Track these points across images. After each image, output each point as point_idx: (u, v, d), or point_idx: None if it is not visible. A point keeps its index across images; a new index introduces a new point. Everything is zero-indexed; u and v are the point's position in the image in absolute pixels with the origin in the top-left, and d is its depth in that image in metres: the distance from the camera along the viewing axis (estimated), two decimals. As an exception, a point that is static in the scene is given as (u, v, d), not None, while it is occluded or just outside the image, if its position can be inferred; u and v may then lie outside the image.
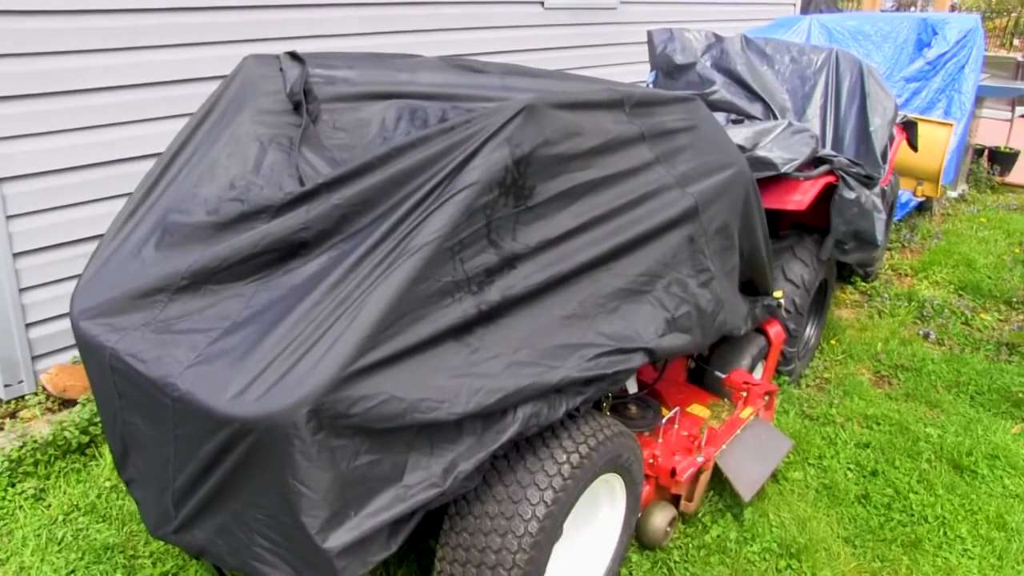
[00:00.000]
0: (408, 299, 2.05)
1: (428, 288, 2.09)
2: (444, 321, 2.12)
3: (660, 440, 3.21)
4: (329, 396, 1.93)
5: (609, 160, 2.56)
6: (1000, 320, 5.59)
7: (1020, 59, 10.58)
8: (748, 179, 3.16)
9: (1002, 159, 9.34)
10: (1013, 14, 23.44)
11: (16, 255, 3.81)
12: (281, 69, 2.88)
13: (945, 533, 3.38)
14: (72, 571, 2.97)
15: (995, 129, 9.30)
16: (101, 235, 3.96)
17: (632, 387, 3.33)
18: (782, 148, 4.02)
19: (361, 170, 2.30)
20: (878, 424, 4.15)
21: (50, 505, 3.29)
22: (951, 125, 6.60)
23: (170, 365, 2.14)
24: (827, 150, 4.55)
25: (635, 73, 7.23)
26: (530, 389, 2.27)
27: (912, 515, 3.48)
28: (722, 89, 4.86)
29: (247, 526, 2.12)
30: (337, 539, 2.03)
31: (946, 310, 5.63)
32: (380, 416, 2.02)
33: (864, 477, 3.71)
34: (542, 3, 6.34)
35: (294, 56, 2.93)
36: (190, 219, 2.47)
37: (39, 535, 3.12)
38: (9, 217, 3.75)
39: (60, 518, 3.22)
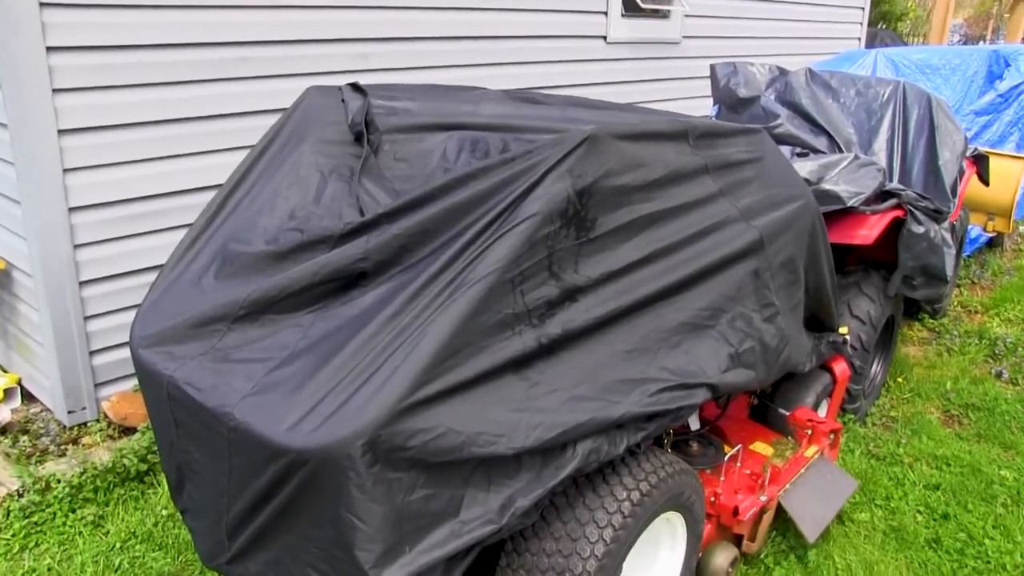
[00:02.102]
0: (467, 331, 2.01)
1: (488, 320, 2.05)
2: (503, 354, 2.09)
3: (722, 478, 3.12)
4: (386, 428, 1.90)
5: (672, 192, 2.51)
6: (1077, 360, 5.37)
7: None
8: (814, 212, 3.08)
9: (1076, 194, 9.03)
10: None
11: (82, 283, 3.88)
12: (343, 100, 2.90)
13: (1025, 583, 3.22)
14: (128, 599, 2.98)
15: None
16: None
17: (694, 424, 3.25)
18: (848, 182, 3.93)
19: (421, 200, 2.28)
20: (948, 465, 3.99)
21: (108, 532, 3.30)
22: (1024, 159, 6.41)
23: (227, 394, 2.13)
24: (895, 184, 4.43)
25: (697, 107, 7.18)
26: (590, 424, 2.22)
27: (988, 562, 3.32)
28: (786, 122, 4.78)
29: (300, 559, 2.10)
30: (391, 575, 1.99)
31: (1020, 348, 5.42)
32: (437, 449, 1.98)
33: (935, 520, 3.56)
34: (605, 37, 6.33)
35: (356, 87, 2.95)
36: (250, 248, 2.48)
37: (97, 561, 3.14)
38: (77, 246, 3.82)
39: (118, 545, 3.23)
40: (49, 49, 3.61)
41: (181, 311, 2.42)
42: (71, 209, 3.79)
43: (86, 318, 3.92)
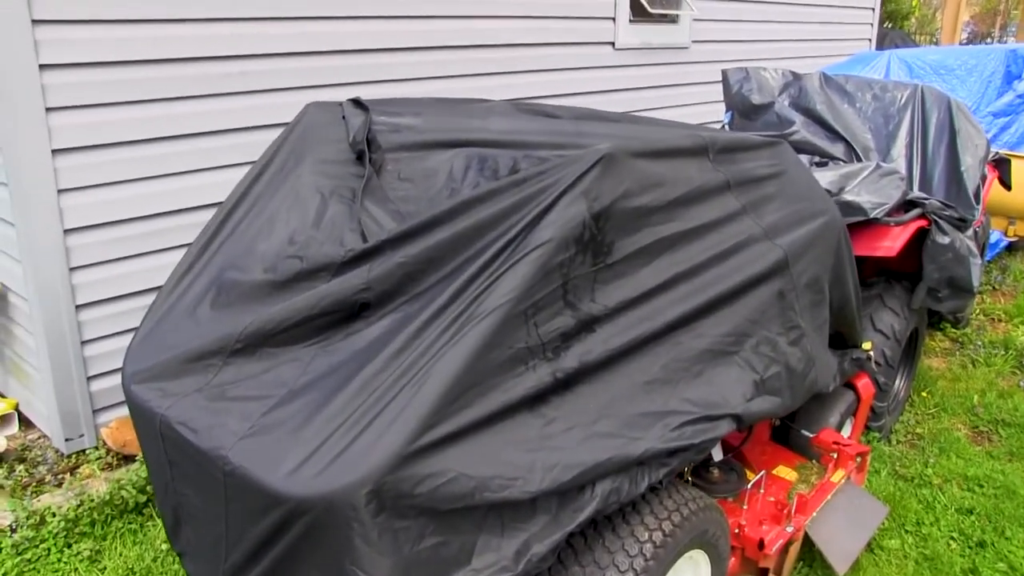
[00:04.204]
0: (478, 368, 1.88)
1: (500, 355, 1.92)
2: (517, 391, 1.95)
3: (745, 507, 2.97)
4: (391, 475, 1.77)
5: (693, 211, 2.37)
6: (1107, 370, 5.20)
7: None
8: (839, 228, 2.94)
9: (1095, 196, 8.87)
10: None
11: (79, 307, 3.75)
12: (344, 117, 2.77)
13: (1070, 616, 3.06)
14: (125, 641, 2.84)
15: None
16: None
17: (717, 454, 3.10)
18: (870, 192, 3.78)
19: (427, 226, 2.15)
20: (981, 487, 3.83)
21: (105, 568, 3.17)
22: (1044, 161, 6.25)
23: (222, 436, 2.00)
24: (917, 192, 4.28)
25: (707, 113, 7.04)
26: (610, 463, 2.08)
27: (1029, 594, 3.17)
28: (802, 129, 4.64)
29: (302, 612, 1.96)
30: (399, 630, 1.85)
31: (1047, 359, 5.26)
32: (447, 496, 1.84)
33: (970, 548, 3.40)
34: (613, 44, 6.20)
35: (357, 103, 2.82)
36: (247, 277, 2.35)
37: (93, 600, 3.01)
38: (72, 269, 3.70)
39: (115, 582, 3.10)
40: (42, 67, 3.49)
41: (175, 344, 2.30)
42: (66, 231, 3.66)
43: (83, 342, 3.80)
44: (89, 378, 3.84)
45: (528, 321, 1.96)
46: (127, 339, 3.89)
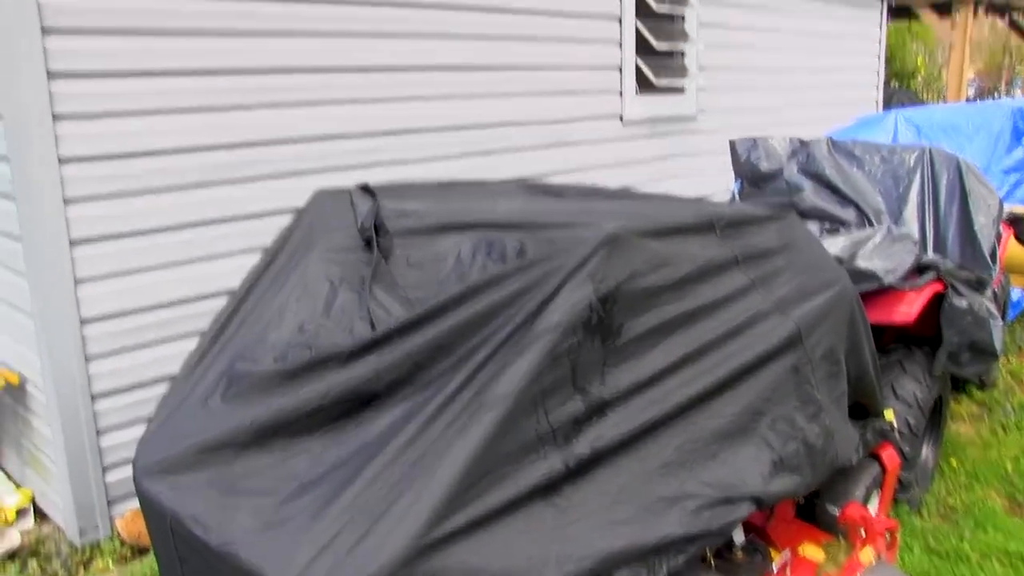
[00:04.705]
0: (487, 458, 1.85)
1: (509, 444, 1.89)
2: (528, 480, 1.92)
3: (771, 589, 2.89)
4: (403, 570, 1.73)
5: (702, 289, 2.36)
6: None
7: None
8: (852, 297, 2.92)
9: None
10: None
11: (95, 396, 3.76)
12: (352, 203, 2.79)
13: None
14: None
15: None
16: (177, 376, 3.93)
17: (739, 536, 3.02)
18: (883, 258, 3.76)
19: (434, 313, 2.15)
20: None
21: (119, 668, 3.11)
22: (1062, 217, 6.20)
23: (231, 532, 1.98)
24: (931, 255, 4.25)
25: (717, 182, 7.06)
26: (626, 551, 2.02)
27: None
28: (811, 195, 4.66)
29: None
30: None
31: (1081, 422, 5.14)
32: (459, 591, 1.80)
33: (1013, 630, 3.28)
34: (621, 117, 6.27)
35: (365, 189, 2.85)
36: (257, 367, 2.35)
37: None
38: (89, 358, 3.71)
39: None
40: (61, 160, 3.56)
41: (187, 436, 2.29)
42: (83, 320, 3.69)
43: (99, 432, 3.79)
44: (105, 468, 3.83)
45: (537, 408, 1.94)
46: (143, 428, 3.89)
